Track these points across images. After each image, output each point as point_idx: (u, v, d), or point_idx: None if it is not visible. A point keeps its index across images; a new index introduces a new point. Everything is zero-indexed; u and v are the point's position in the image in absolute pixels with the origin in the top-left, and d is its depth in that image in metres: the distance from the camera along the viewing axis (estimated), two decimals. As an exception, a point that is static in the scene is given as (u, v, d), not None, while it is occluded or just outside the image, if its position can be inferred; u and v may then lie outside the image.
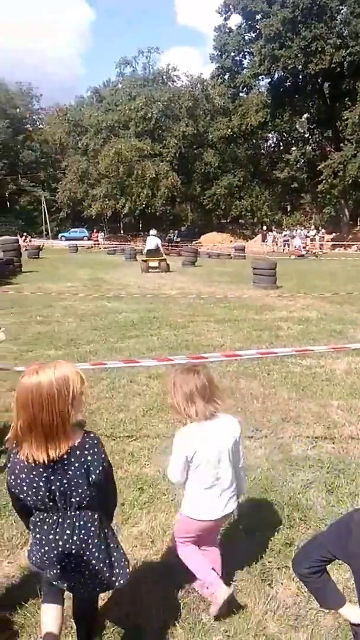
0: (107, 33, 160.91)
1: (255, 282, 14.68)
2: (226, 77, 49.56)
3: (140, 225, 54.99)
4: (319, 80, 44.77)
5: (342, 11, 41.11)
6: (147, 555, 2.81)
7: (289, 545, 2.88)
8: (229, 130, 50.57)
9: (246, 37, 48.19)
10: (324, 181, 41.51)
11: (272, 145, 60.03)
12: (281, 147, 58.14)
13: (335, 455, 3.99)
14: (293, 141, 56.86)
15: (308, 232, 42.07)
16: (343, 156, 39.10)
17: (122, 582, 1.96)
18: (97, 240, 46.60)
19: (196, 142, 52.22)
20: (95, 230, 50.71)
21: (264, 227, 45.43)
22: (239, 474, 2.45)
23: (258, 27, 44.08)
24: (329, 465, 3.80)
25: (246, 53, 48.93)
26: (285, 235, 41.61)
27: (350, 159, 38.50)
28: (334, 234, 43.89)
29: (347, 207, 44.84)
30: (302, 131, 54.94)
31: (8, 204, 61.05)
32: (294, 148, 55.77)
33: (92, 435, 1.88)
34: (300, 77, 45.19)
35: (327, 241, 41.12)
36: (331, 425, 4.58)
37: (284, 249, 39.28)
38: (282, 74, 45.59)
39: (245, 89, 50.00)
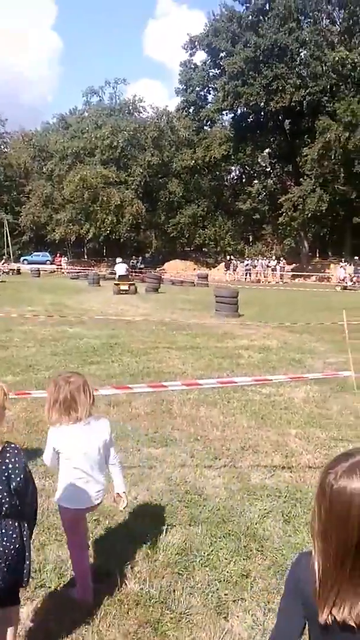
0: (75, 61, 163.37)
1: (217, 309, 14.86)
2: (191, 110, 51.05)
3: (104, 250, 55.02)
4: (280, 117, 46.68)
5: (302, 53, 43.30)
6: (101, 590, 2.72)
7: (245, 577, 2.86)
8: (193, 161, 51.81)
9: (210, 73, 49.97)
10: (284, 214, 42.89)
11: (235, 177, 61.72)
12: (244, 180, 59.81)
13: (292, 484, 4.02)
14: (255, 174, 58.65)
15: (269, 262, 43.11)
16: (302, 190, 40.60)
17: (24, 584, 2.08)
18: (60, 265, 46.26)
19: (161, 171, 53.11)
20: (58, 255, 50.37)
21: (228, 257, 46.33)
22: (114, 470, 2.72)
23: (222, 64, 45.83)
24: (286, 495, 3.82)
25: (210, 88, 50.66)
26: (247, 265, 42.49)
27: (309, 193, 40.01)
28: (294, 265, 45.12)
29: (307, 239, 46.31)
30: (264, 165, 56.83)
31: (-31, 226, 60.00)
32: (256, 181, 57.47)
33: (12, 445, 1.97)
34: (262, 113, 47.04)
35: (287, 271, 42.22)
36: (289, 454, 4.63)
37: (245, 278, 40.06)
38: (245, 109, 47.35)
39: (209, 122, 51.58)
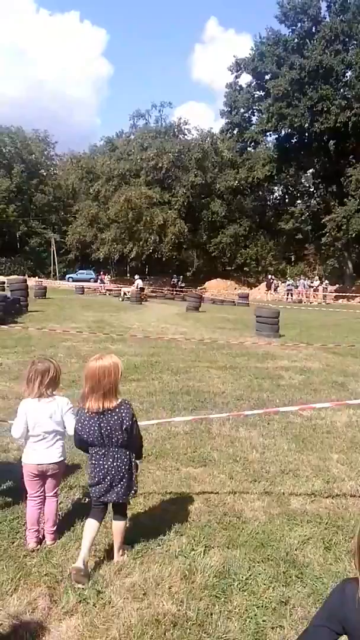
0: (124, 86, 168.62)
1: (258, 330, 14.76)
2: (235, 132, 51.52)
3: (147, 269, 55.79)
4: (324, 138, 46.42)
5: (347, 74, 43.17)
6: (139, 608, 2.73)
7: (284, 604, 2.81)
8: (236, 181, 52.20)
9: (255, 95, 50.40)
10: (327, 234, 42.39)
11: (278, 197, 61.65)
12: (286, 200, 59.64)
13: (334, 511, 3.92)
14: (298, 194, 58.43)
15: (312, 283, 42.55)
16: (347, 211, 40.07)
17: (132, 495, 3.17)
18: (104, 282, 47.20)
19: (204, 192, 53.69)
20: (102, 273, 51.45)
21: (269, 276, 46.03)
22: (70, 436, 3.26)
23: (267, 86, 46.17)
24: (327, 521, 3.73)
25: (255, 110, 51.04)
26: (288, 285, 42.08)
27: (354, 213, 39.44)
28: (337, 285, 44.35)
29: (350, 259, 45.53)
30: (308, 185, 56.57)
31: (18, 244, 62.26)
32: (299, 201, 57.25)
33: (126, 400, 3.04)
34: (307, 134, 46.95)
35: (331, 292, 41.51)
36: (330, 480, 4.52)
37: (287, 298, 39.64)
38: (289, 131, 47.40)
39: (252, 143, 51.86)
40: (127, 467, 3.02)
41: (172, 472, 4.54)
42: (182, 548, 3.29)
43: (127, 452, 3.04)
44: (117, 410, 2.95)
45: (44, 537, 3.37)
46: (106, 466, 3.00)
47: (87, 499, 3.91)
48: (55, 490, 3.39)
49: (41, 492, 3.36)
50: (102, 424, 2.94)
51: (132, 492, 3.10)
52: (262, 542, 3.42)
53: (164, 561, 3.15)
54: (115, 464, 2.99)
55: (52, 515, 3.36)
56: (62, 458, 3.35)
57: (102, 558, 3.19)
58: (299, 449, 5.26)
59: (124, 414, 2.95)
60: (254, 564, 3.16)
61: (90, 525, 3.08)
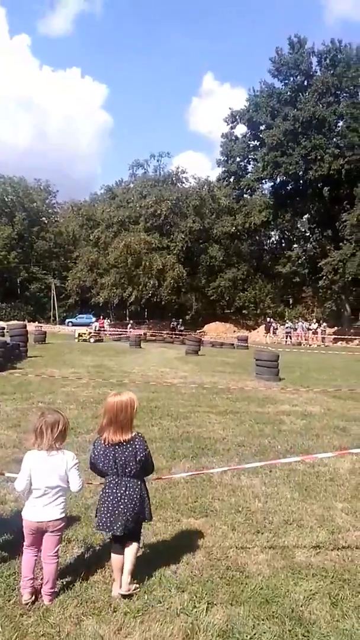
0: (124, 137, 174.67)
1: (257, 373, 14.72)
2: (231, 180, 53.12)
3: (146, 313, 56.15)
4: (319, 185, 47.84)
5: (339, 124, 44.95)
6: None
7: (291, 666, 2.69)
8: (233, 227, 53.39)
9: (250, 145, 52.30)
10: (324, 277, 42.95)
11: (275, 242, 62.89)
12: (283, 244, 60.83)
13: (339, 564, 3.80)
14: (294, 239, 59.62)
15: (310, 325, 42.72)
16: (342, 254, 40.77)
17: (147, 519, 3.36)
18: (103, 327, 47.36)
19: (202, 237, 54.81)
20: (101, 317, 51.73)
21: (268, 318, 46.26)
22: (77, 492, 3.44)
23: (262, 136, 47.97)
24: (333, 575, 3.61)
25: (250, 159, 52.82)
26: (287, 327, 42.23)
27: (350, 257, 40.10)
28: (335, 328, 44.51)
29: (348, 302, 45.93)
30: (303, 230, 57.78)
31: (19, 290, 62.92)
32: (295, 245, 58.35)
33: (140, 434, 3.25)
34: (301, 181, 48.40)
35: (329, 334, 41.61)
36: (335, 530, 4.41)
37: (286, 341, 39.71)
38: (284, 178, 48.91)
39: (249, 191, 53.37)
40: (138, 497, 3.21)
41: (173, 524, 4.43)
42: (184, 605, 3.17)
43: (139, 482, 3.25)
44: (131, 442, 3.16)
45: (39, 589, 3.25)
46: (119, 494, 3.17)
47: (87, 554, 3.81)
48: (55, 550, 3.24)
49: (38, 546, 3.26)
50: (117, 455, 3.15)
51: (148, 517, 3.32)
52: (267, 597, 3.30)
53: (165, 619, 3.03)
54: (127, 492, 3.17)
55: (52, 576, 3.20)
56: (63, 515, 3.25)
57: (102, 613, 3.08)
58: (302, 498, 5.16)
59: (137, 446, 3.17)
60: (259, 622, 3.04)
61: (114, 560, 3.32)
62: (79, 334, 33.19)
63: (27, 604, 3.13)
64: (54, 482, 3.18)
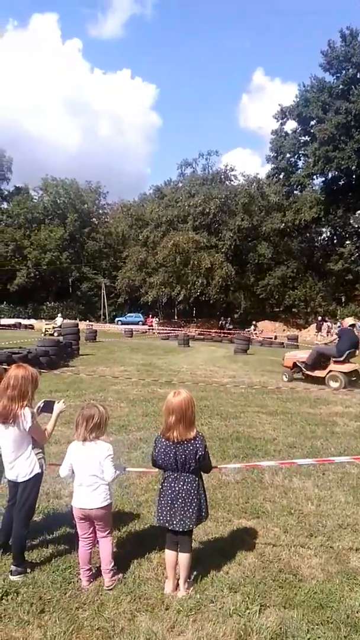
0: (173, 136, 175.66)
1: (309, 373, 14.37)
2: (281, 176, 52.23)
3: (194, 311, 56.22)
4: (372, 179, 46.23)
5: (393, 116, 43.26)
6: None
7: (347, 674, 2.62)
8: (283, 224, 52.48)
9: (301, 140, 51.20)
10: (379, 274, 41.48)
11: (326, 238, 61.31)
12: (335, 241, 59.17)
13: None
14: (347, 235, 57.84)
15: (364, 324, 41.38)
16: None
17: (204, 520, 3.41)
18: (152, 325, 47.84)
19: (251, 235, 54.23)
20: (150, 316, 52.24)
21: (319, 317, 45.21)
22: (110, 485, 3.46)
23: (312, 131, 46.87)
24: (390, 582, 3.50)
25: (301, 155, 51.74)
26: (339, 326, 41.10)
27: None
28: (391, 326, 42.89)
29: None
30: (357, 226, 55.97)
31: (70, 289, 64.58)
32: (348, 242, 56.61)
33: (200, 433, 3.33)
34: (354, 176, 46.95)
35: (384, 333, 40.16)
36: (392, 536, 4.26)
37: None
38: (336, 173, 47.58)
39: (299, 187, 52.28)
40: (195, 492, 3.29)
41: (224, 524, 4.42)
42: (237, 606, 3.16)
43: (197, 478, 3.33)
44: (192, 441, 3.24)
45: (96, 576, 3.43)
46: (177, 489, 3.27)
47: (139, 551, 3.86)
48: (106, 532, 3.43)
49: (90, 534, 3.44)
50: (178, 453, 3.23)
51: (200, 518, 3.34)
52: (321, 602, 3.24)
53: (218, 619, 3.04)
54: (185, 487, 3.26)
55: (106, 555, 3.40)
56: (106, 502, 3.39)
57: (155, 610, 3.12)
58: (357, 502, 5.02)
59: (198, 445, 3.25)
60: (313, 627, 2.99)
61: (168, 556, 3.41)
62: (45, 329, 33.97)
63: (86, 590, 3.32)
64: (90, 472, 3.34)
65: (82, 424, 3.35)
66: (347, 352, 12.30)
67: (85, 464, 3.35)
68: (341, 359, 12.37)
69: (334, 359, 12.55)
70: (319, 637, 2.89)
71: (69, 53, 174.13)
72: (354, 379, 12.42)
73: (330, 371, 12.63)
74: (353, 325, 13.52)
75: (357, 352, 12.52)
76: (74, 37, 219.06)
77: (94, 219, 69.42)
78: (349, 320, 13.42)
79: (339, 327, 41.07)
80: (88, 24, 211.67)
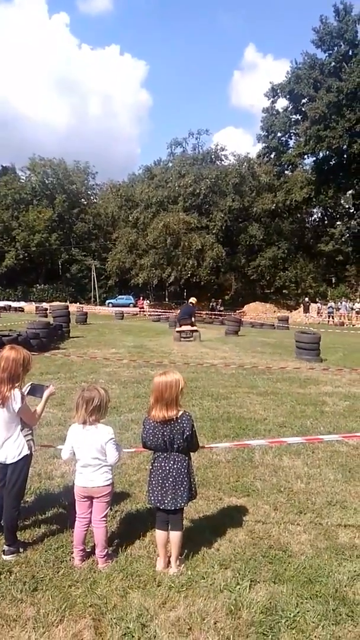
0: (163, 115, 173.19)
1: (298, 354, 14.52)
2: (272, 156, 51.91)
3: (185, 293, 56.17)
4: (363, 159, 46.04)
5: (386, 96, 42.92)
6: (183, 644, 2.68)
7: (335, 645, 2.69)
8: (274, 205, 52.27)
9: (292, 119, 50.78)
10: (369, 255, 41.61)
11: (317, 219, 61.26)
12: (326, 222, 59.15)
13: (385, 546, 3.76)
14: (338, 216, 57.85)
15: (354, 305, 41.66)
16: (389, 231, 39.33)
17: (194, 498, 3.50)
18: (143, 308, 47.77)
19: (241, 216, 53.98)
20: (141, 298, 52.12)
21: (307, 299, 45.43)
22: (112, 466, 3.50)
23: (304, 109, 46.46)
24: (378, 557, 3.57)
25: (292, 134, 51.37)
26: (329, 307, 41.35)
27: None
28: (380, 307, 43.22)
29: (394, 280, 44.44)
30: (347, 206, 55.94)
31: (60, 271, 64.09)
32: (338, 222, 56.64)
33: (187, 412, 3.35)
34: (345, 155, 46.79)
35: (374, 314, 40.49)
36: (380, 512, 4.34)
37: (328, 321, 38.94)
38: (327, 153, 47.38)
39: (290, 167, 52.05)
40: (186, 471, 3.34)
41: (215, 502, 4.47)
42: (227, 582, 3.22)
43: (186, 458, 3.38)
44: (179, 420, 3.27)
45: (89, 555, 3.48)
46: (167, 468, 3.32)
47: (131, 529, 3.91)
48: (102, 516, 3.45)
49: (88, 514, 3.46)
50: (165, 432, 3.27)
51: (190, 496, 3.41)
52: (310, 577, 3.31)
53: (209, 595, 3.09)
54: (175, 466, 3.31)
55: (101, 540, 3.42)
56: (107, 482, 3.43)
57: (147, 587, 3.16)
58: (345, 479, 5.10)
59: (185, 424, 3.28)
60: (302, 601, 3.05)
61: (158, 536, 3.45)
62: None
63: (78, 568, 3.37)
64: (92, 454, 3.37)
65: (82, 406, 3.37)
66: (180, 318, 21.01)
67: (86, 447, 3.38)
68: (179, 322, 20.96)
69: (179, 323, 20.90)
70: (307, 611, 2.96)
71: (55, 28, 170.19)
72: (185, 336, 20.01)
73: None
74: (192, 304, 21.75)
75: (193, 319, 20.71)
76: (61, 12, 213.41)
77: (83, 200, 68.53)
78: (193, 299, 22.22)
79: (328, 307, 41.39)
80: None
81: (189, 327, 20.15)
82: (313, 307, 43.07)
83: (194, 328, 20.30)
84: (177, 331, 20.30)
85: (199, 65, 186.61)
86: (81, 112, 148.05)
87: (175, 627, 2.80)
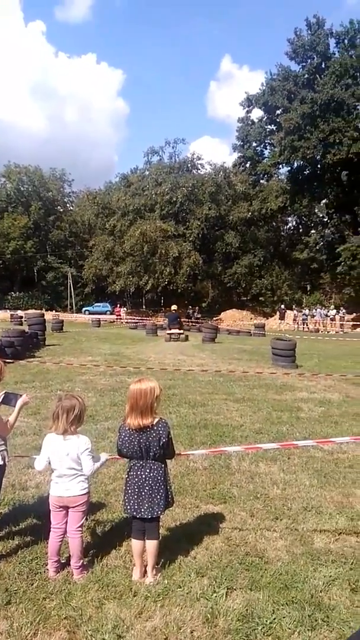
0: (140, 124, 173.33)
1: (274, 361, 14.64)
2: (247, 165, 52.47)
3: (162, 301, 56.16)
4: (337, 169, 46.97)
5: (358, 107, 43.93)
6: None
7: (311, 650, 2.70)
8: (250, 213, 52.85)
9: (267, 129, 51.50)
10: (343, 263, 42.35)
11: (292, 227, 62.12)
12: (300, 230, 60.02)
13: (359, 550, 3.80)
14: (312, 224, 58.77)
15: (328, 312, 42.28)
16: (361, 240, 40.13)
17: (170, 506, 3.46)
18: (120, 315, 47.55)
19: (218, 224, 54.36)
20: (118, 305, 51.89)
21: (282, 306, 45.92)
22: (88, 476, 3.43)
23: (278, 120, 47.18)
24: (352, 561, 3.61)
25: (267, 144, 52.07)
26: (304, 314, 41.89)
27: (369, 242, 39.47)
28: (354, 314, 43.96)
29: (367, 288, 45.23)
30: (321, 215, 56.90)
31: (35, 279, 63.40)
32: (313, 231, 57.54)
33: (163, 419, 3.33)
34: (319, 166, 47.61)
35: (348, 321, 41.14)
36: (355, 517, 4.40)
37: (303, 327, 39.42)
38: (301, 163, 48.14)
39: (265, 176, 52.71)
40: (162, 479, 3.31)
41: (192, 510, 4.46)
42: (204, 590, 3.21)
43: (163, 465, 3.36)
44: (155, 427, 3.25)
45: (64, 567, 3.42)
46: (143, 476, 3.29)
47: (107, 539, 3.86)
48: (78, 526, 3.40)
49: (63, 524, 3.41)
50: (141, 440, 3.25)
51: (167, 504, 3.38)
52: (286, 583, 3.32)
53: (186, 604, 3.07)
54: (152, 474, 3.28)
55: (77, 551, 3.36)
56: (83, 492, 3.38)
57: (123, 597, 3.13)
58: (321, 485, 5.15)
59: (161, 431, 3.26)
60: (278, 607, 3.06)
61: (135, 545, 3.41)
62: None
63: (52, 580, 3.31)
64: (70, 464, 3.33)
65: (62, 415, 3.31)
66: (170, 323, 25.02)
67: (64, 458, 3.33)
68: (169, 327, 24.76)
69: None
70: (284, 617, 2.96)
71: (32, 35, 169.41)
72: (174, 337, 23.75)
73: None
74: (176, 310, 26.85)
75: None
76: (37, 20, 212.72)
77: (59, 207, 68.04)
78: (174, 307, 27.02)
79: (302, 314, 41.90)
80: (56, 7, 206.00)
81: (177, 330, 24.35)
82: (289, 314, 43.56)
83: (181, 331, 24.83)
84: (168, 334, 24.41)
85: (175, 76, 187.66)
86: (58, 120, 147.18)
87: (152, 637, 2.78)
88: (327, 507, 4.60)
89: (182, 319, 41.03)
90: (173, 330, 24.36)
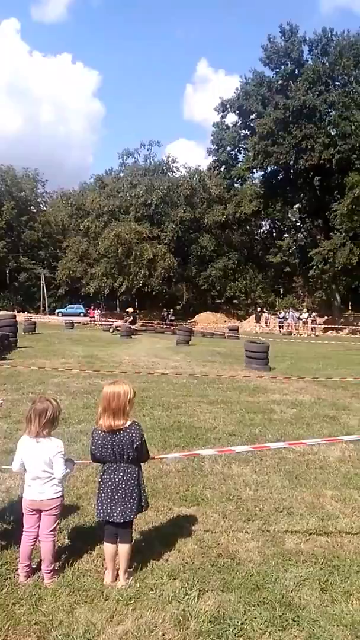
0: (116, 125, 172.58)
1: (248, 363, 14.77)
2: (222, 169, 52.88)
3: (137, 303, 55.96)
4: (309, 175, 47.74)
5: (330, 114, 44.78)
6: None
7: (281, 650, 2.73)
8: (224, 217, 53.20)
9: (241, 134, 52.03)
10: (314, 267, 43.04)
11: (265, 231, 62.76)
12: (274, 234, 60.70)
13: (329, 550, 3.86)
14: (285, 228, 59.52)
15: (300, 315, 42.89)
16: (333, 244, 40.87)
17: (144, 510, 3.46)
18: (93, 317, 47.17)
19: (193, 227, 54.52)
20: (91, 307, 51.46)
21: (258, 308, 46.37)
22: (61, 480, 3.38)
23: (252, 125, 47.71)
24: (322, 561, 3.67)
25: (241, 148, 52.66)
26: (280, 317, 42.42)
27: (340, 247, 40.22)
28: (326, 317, 44.73)
29: (338, 291, 46.10)
30: (294, 220, 57.69)
31: (7, 280, 62.38)
32: (286, 235, 58.24)
33: (136, 422, 3.33)
34: (292, 171, 48.33)
35: (319, 324, 41.83)
36: (325, 517, 4.47)
37: (279, 330, 39.93)
38: (275, 168, 48.81)
39: (239, 180, 53.20)
40: (135, 482, 3.30)
41: (165, 513, 4.46)
42: (176, 592, 3.21)
43: (137, 468, 3.35)
44: (128, 430, 3.25)
45: (34, 572, 3.38)
46: (116, 480, 3.28)
47: (78, 543, 3.82)
48: (50, 529, 3.37)
49: (36, 528, 3.37)
50: (114, 442, 3.24)
51: (140, 508, 3.37)
52: (258, 584, 3.34)
53: (157, 606, 3.07)
54: (125, 478, 3.27)
55: (48, 554, 3.33)
56: (57, 495, 3.36)
57: (94, 601, 3.10)
58: (292, 486, 5.21)
59: (134, 434, 3.26)
60: (250, 608, 3.08)
61: (107, 549, 3.39)
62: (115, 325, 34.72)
63: (22, 584, 3.26)
64: (43, 467, 3.31)
65: (34, 419, 3.30)
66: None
67: (37, 460, 3.31)
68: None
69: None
70: (255, 618, 2.99)
71: (5, 33, 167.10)
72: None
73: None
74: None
75: None
76: (12, 17, 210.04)
77: (32, 208, 67.13)
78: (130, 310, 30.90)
79: (279, 317, 42.37)
80: (32, 5, 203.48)
81: (120, 323, 30.42)
82: (264, 316, 44.05)
83: (129, 325, 30.82)
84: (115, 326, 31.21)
85: (152, 78, 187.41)
86: (32, 120, 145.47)
87: (123, 642, 2.76)
88: (298, 508, 4.66)
89: (157, 322, 41.26)
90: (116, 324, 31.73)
